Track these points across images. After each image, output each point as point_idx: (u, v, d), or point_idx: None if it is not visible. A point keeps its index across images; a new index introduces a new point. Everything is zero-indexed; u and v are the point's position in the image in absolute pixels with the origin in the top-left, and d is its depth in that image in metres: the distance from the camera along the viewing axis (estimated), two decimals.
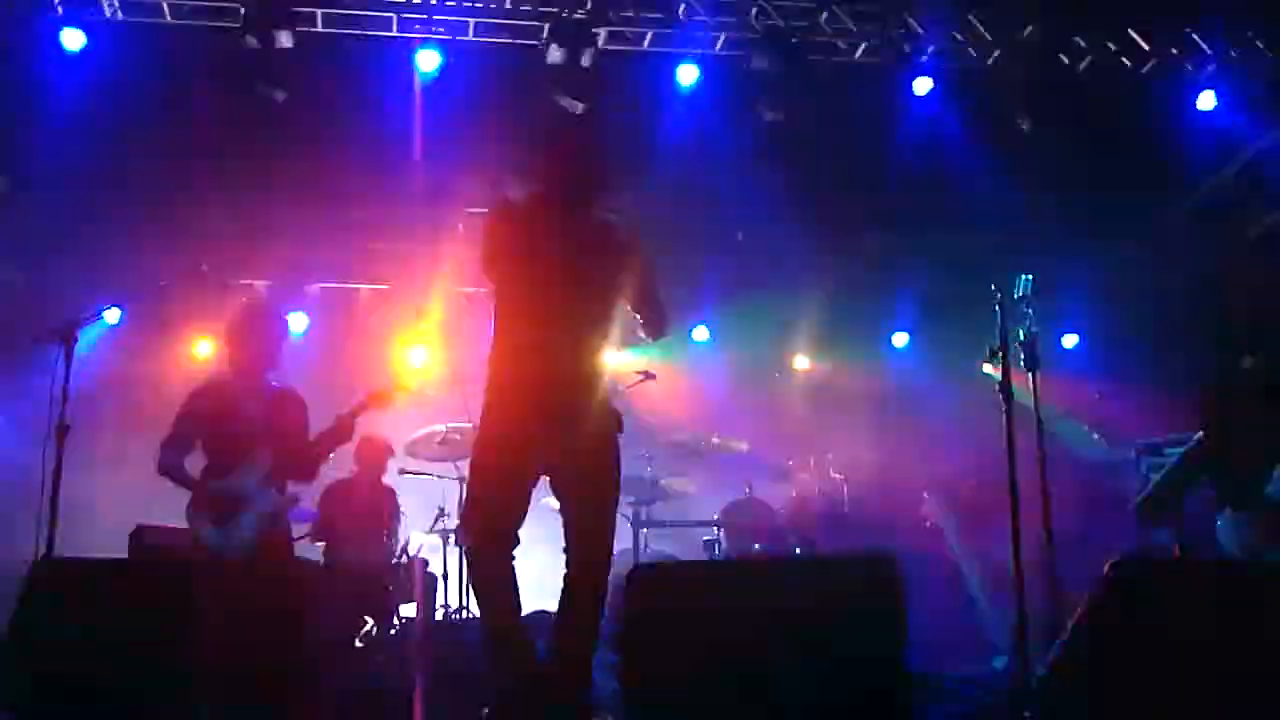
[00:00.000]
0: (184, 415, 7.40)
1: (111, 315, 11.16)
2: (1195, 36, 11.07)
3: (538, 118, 10.17)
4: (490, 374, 5.55)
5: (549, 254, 5.50)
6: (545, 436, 5.40)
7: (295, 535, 9.02)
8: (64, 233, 11.07)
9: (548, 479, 5.62)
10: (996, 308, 6.42)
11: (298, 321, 12.46)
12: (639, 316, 5.86)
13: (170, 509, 7.22)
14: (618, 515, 5.72)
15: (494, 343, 5.59)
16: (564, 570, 5.52)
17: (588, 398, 5.49)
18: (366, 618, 8.75)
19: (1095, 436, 10.82)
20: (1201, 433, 7.36)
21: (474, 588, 5.59)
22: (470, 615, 9.30)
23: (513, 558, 5.49)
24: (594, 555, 5.54)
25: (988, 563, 10.39)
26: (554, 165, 5.69)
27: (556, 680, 5.31)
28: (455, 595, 9.16)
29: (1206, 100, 11.18)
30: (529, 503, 5.56)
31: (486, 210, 5.86)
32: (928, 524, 11.25)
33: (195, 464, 7.37)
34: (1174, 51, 11.13)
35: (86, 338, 6.97)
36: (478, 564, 5.49)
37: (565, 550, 5.54)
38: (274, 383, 7.54)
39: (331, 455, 7.69)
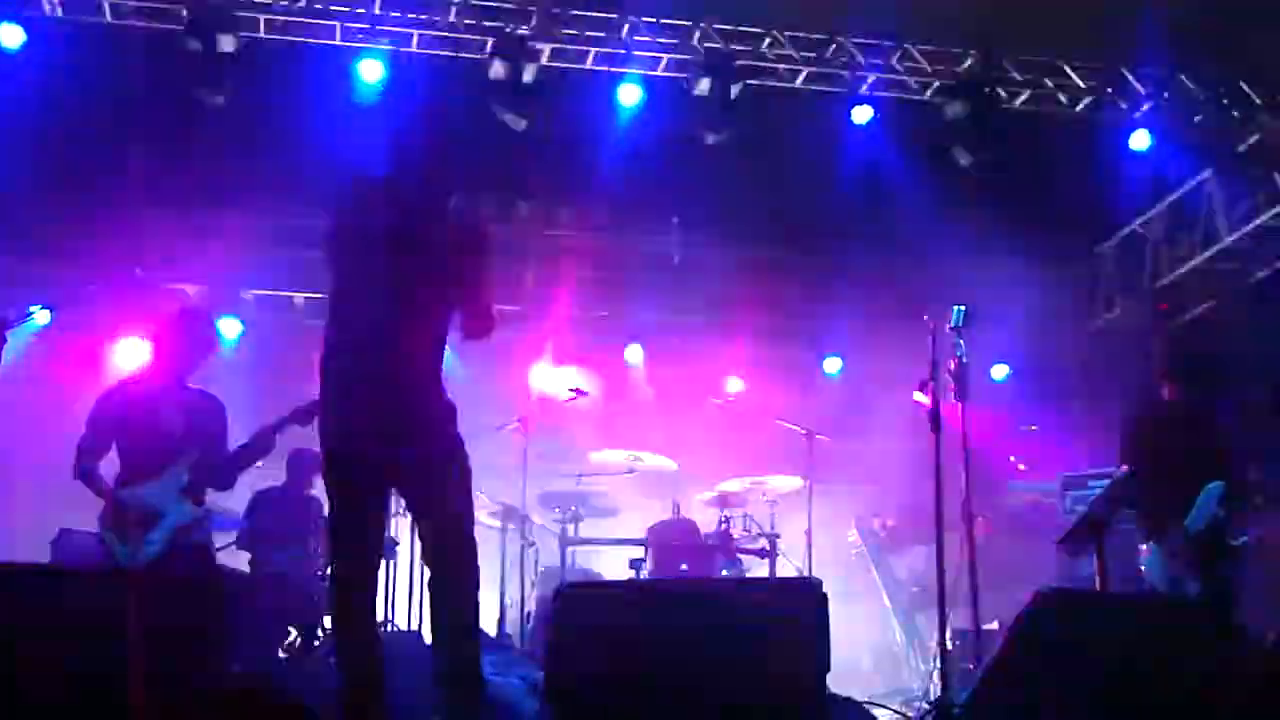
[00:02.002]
0: (97, 418, 7.19)
1: (42, 316, 11.01)
2: (1130, 77, 11.25)
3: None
4: (320, 380, 5.31)
5: (380, 245, 5.26)
6: (381, 454, 5.19)
7: (222, 543, 8.97)
8: None
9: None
10: (930, 338, 6.49)
11: (231, 328, 12.40)
12: (461, 314, 5.45)
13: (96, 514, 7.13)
14: (474, 510, 5.45)
15: (323, 341, 5.32)
16: (430, 577, 5.28)
17: (419, 403, 5.24)
18: (291, 629, 8.70)
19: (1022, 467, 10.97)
20: (1124, 466, 7.46)
21: (333, 615, 5.42)
22: (396, 628, 9.29)
23: (376, 583, 5.41)
24: (458, 567, 5.26)
25: (911, 588, 10.51)
26: (402, 155, 5.48)
27: (448, 689, 5.20)
28: (381, 608, 9.10)
29: (1140, 139, 11.36)
30: (385, 522, 5.47)
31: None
32: (854, 548, 11.36)
33: (110, 470, 7.18)
34: (1109, 90, 11.31)
35: (17, 340, 6.83)
36: (339, 592, 5.33)
37: (424, 557, 5.36)
38: (193, 389, 7.42)
39: (256, 465, 7.62)
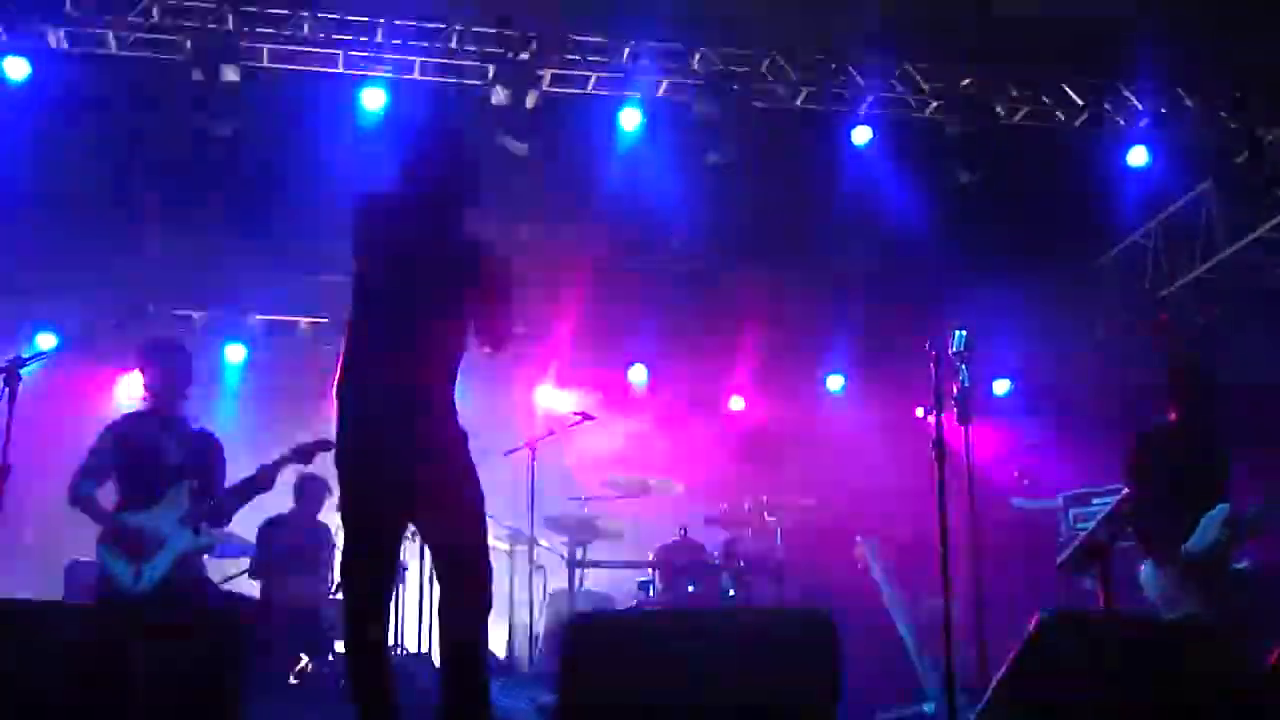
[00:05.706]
0: (99, 447, 7.27)
1: (46, 340, 11.07)
2: (1127, 93, 11.32)
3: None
4: (336, 403, 5.26)
5: (397, 268, 5.22)
6: (397, 476, 5.16)
7: (233, 572, 9.05)
8: (3, 265, 11.03)
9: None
10: (932, 366, 6.53)
11: (236, 353, 12.50)
12: (481, 327, 5.44)
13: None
14: (496, 539, 5.42)
15: (342, 360, 5.28)
16: (441, 602, 5.26)
17: (436, 426, 5.23)
18: (302, 655, 8.77)
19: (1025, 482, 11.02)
20: (1125, 488, 7.49)
21: (347, 646, 5.37)
22: (407, 651, 9.37)
23: (388, 613, 5.44)
24: (472, 592, 5.20)
25: (918, 608, 10.51)
26: (427, 168, 5.40)
27: (455, 713, 5.21)
28: (393, 632, 9.16)
29: (1137, 155, 11.42)
30: (398, 552, 5.49)
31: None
32: (859, 568, 11.37)
33: (108, 498, 7.22)
34: (1106, 106, 11.38)
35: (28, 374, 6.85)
36: (352, 629, 5.28)
37: (438, 579, 5.29)
38: (194, 426, 7.49)
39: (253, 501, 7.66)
